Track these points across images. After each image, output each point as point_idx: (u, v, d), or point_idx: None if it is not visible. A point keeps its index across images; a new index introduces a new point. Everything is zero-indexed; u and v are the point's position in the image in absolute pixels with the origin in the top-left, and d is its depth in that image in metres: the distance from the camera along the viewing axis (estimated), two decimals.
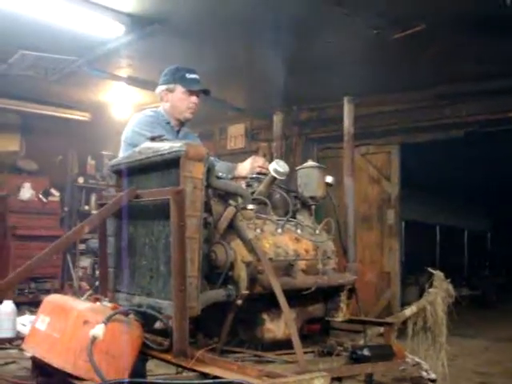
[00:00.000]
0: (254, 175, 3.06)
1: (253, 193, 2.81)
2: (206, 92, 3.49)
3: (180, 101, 3.41)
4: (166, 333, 2.34)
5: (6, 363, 3.70)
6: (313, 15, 5.30)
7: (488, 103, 7.02)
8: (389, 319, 3.61)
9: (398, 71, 6.71)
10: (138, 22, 5.60)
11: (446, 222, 14.26)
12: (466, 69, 6.53)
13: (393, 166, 8.29)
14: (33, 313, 5.89)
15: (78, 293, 8.29)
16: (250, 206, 2.60)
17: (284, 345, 2.51)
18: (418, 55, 6.17)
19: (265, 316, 2.57)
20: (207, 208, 2.45)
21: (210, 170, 2.41)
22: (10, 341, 3.05)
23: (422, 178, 10.50)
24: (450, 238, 14.71)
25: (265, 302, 2.52)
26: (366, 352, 2.57)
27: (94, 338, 2.04)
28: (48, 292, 8.36)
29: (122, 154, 3.15)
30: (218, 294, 2.40)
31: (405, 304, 4.69)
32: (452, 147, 8.56)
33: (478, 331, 8.49)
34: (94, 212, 9.05)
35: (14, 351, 3.02)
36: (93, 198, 10.22)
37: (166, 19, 5.53)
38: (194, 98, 3.42)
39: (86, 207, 10.21)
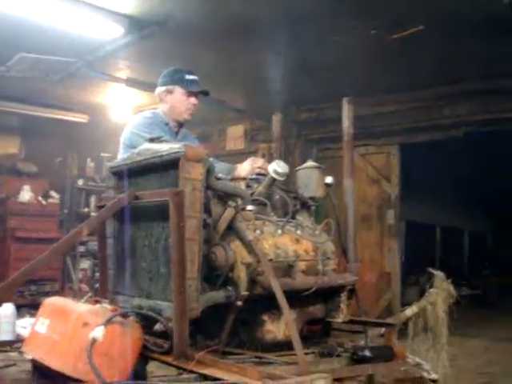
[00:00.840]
0: (254, 176, 3.06)
1: (252, 194, 2.81)
2: (205, 93, 3.49)
3: (179, 102, 3.41)
4: (166, 335, 2.34)
5: (6, 366, 3.68)
6: (312, 16, 5.29)
7: (487, 103, 7.02)
8: (389, 320, 3.61)
9: (396, 71, 6.70)
10: (137, 24, 5.58)
11: (446, 223, 14.26)
12: (464, 69, 6.53)
13: (392, 167, 8.29)
14: (33, 315, 5.86)
15: (77, 295, 8.26)
16: (250, 207, 2.60)
17: (284, 346, 2.51)
18: (416, 55, 6.16)
19: (265, 317, 2.57)
20: (206, 209, 2.44)
21: (209, 171, 2.40)
22: (9, 343, 3.03)
23: (422, 178, 10.49)
24: (450, 238, 14.72)
25: (265, 303, 2.51)
26: (366, 353, 2.57)
27: (94, 340, 2.03)
28: (48, 294, 8.35)
29: (121, 156, 3.14)
30: (217, 295, 2.40)
31: (405, 304, 4.67)
32: (452, 147, 8.56)
33: (478, 331, 8.49)
34: (94, 214, 9.04)
35: (14, 354, 3.00)
36: (92, 200, 10.21)
37: (164, 21, 5.52)
38: (193, 100, 3.42)
39: (86, 209, 10.19)
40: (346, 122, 3.13)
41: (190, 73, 3.43)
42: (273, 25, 5.34)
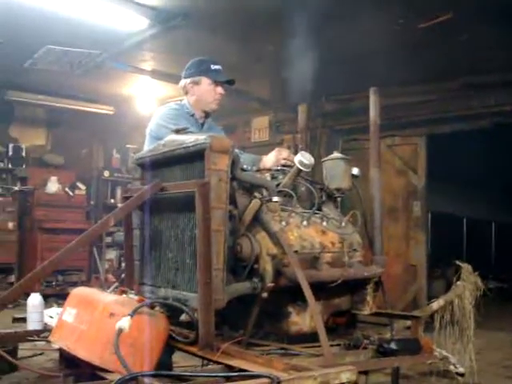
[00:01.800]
0: (279, 167, 3.04)
1: (278, 185, 2.80)
2: (230, 82, 3.47)
3: (207, 92, 3.40)
4: (191, 325, 2.34)
5: (34, 355, 3.74)
6: (338, 6, 5.24)
7: None
8: (416, 313, 3.57)
9: (424, 61, 6.61)
10: (162, 16, 5.59)
11: (473, 214, 14.07)
12: (493, 58, 6.41)
13: (419, 158, 8.17)
14: (60, 305, 5.95)
15: (104, 285, 8.35)
16: (275, 199, 2.58)
17: (310, 338, 2.50)
18: (444, 45, 6.07)
19: (290, 309, 2.56)
20: (232, 200, 2.44)
21: (234, 162, 2.39)
22: (37, 333, 3.07)
23: (449, 170, 10.36)
24: (477, 230, 14.52)
25: (290, 294, 2.50)
26: (393, 345, 2.55)
27: (120, 331, 2.04)
28: (75, 284, 8.44)
29: (147, 147, 3.15)
30: (243, 286, 2.40)
31: (431, 297, 4.63)
32: (479, 137, 8.42)
33: (505, 324, 8.36)
34: (120, 205, 9.10)
35: (41, 343, 3.04)
36: (118, 191, 10.28)
37: (189, 12, 5.52)
38: (219, 89, 3.41)
39: (112, 200, 10.30)
40: (373, 113, 3.10)
41: (215, 62, 3.42)
42: (299, 15, 5.30)
